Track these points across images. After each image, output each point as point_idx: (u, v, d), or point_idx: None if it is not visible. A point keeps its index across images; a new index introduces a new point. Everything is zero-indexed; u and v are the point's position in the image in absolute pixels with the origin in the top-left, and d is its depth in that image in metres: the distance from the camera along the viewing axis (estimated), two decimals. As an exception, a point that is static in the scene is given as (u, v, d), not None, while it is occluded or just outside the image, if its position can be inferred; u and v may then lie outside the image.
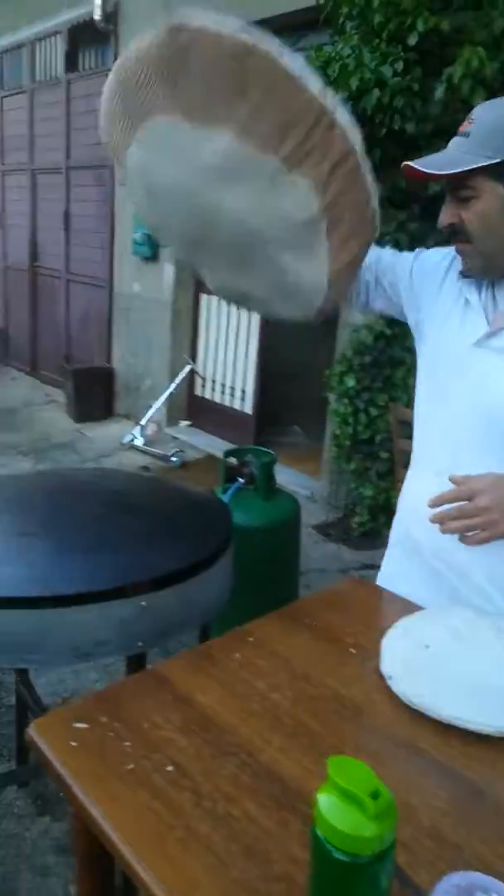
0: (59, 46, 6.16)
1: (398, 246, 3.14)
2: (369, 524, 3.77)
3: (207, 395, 5.56)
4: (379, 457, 3.56)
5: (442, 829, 0.83)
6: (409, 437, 3.39)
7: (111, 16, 5.40)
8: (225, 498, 2.38)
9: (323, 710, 1.02)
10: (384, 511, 3.70)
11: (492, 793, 0.89)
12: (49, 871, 1.68)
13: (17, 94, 6.93)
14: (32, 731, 0.97)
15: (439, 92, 2.80)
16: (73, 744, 0.94)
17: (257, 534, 2.30)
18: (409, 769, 0.92)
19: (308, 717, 1.02)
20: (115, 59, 4.89)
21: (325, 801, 0.62)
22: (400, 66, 2.85)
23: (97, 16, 5.38)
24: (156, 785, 0.87)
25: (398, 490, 3.00)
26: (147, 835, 0.80)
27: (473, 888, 0.71)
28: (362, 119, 2.99)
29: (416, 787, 0.89)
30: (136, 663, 1.38)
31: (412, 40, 2.84)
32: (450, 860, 0.78)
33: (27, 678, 1.88)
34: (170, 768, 0.90)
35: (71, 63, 6.08)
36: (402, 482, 3.02)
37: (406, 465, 2.97)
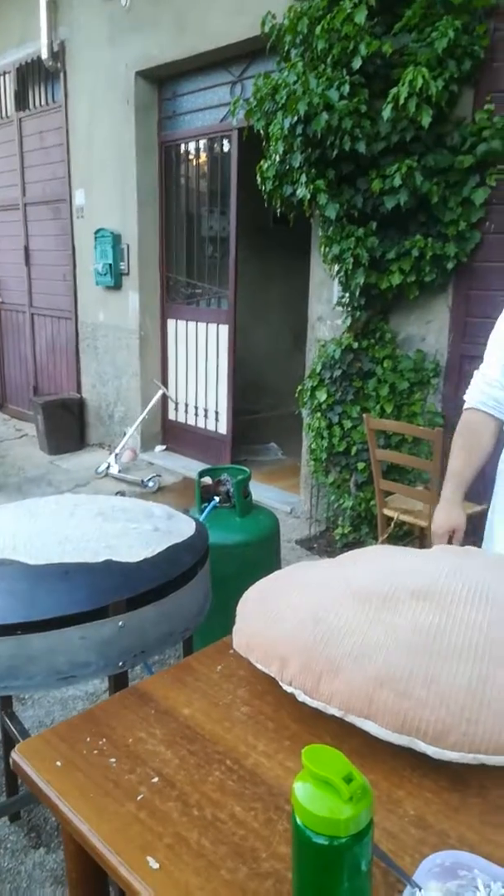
0: (8, 85, 6.23)
1: (357, 260, 3.25)
2: (352, 535, 3.81)
3: (181, 419, 5.59)
4: (356, 468, 3.61)
5: (426, 816, 0.85)
6: (385, 446, 3.46)
7: (57, 54, 5.50)
8: (201, 517, 2.40)
9: (306, 713, 1.04)
10: (366, 521, 3.74)
11: (475, 779, 0.92)
12: (45, 904, 1.66)
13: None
14: (16, 755, 0.98)
15: (387, 112, 2.89)
16: (58, 764, 0.95)
17: (235, 550, 2.32)
18: (393, 763, 0.94)
19: (291, 720, 1.04)
20: (65, 95, 4.97)
21: (302, 788, 0.64)
22: (346, 89, 2.94)
23: (44, 54, 5.48)
24: (142, 797, 0.89)
25: (378, 499, 3.06)
26: (136, 845, 0.81)
27: (457, 866, 0.73)
28: (313, 141, 3.08)
29: (400, 779, 0.92)
30: (119, 683, 1.38)
31: (356, 64, 2.93)
32: (434, 845, 0.81)
33: (12, 711, 1.87)
34: (155, 780, 0.92)
35: (21, 101, 6.16)
36: (382, 491, 3.07)
37: (385, 473, 2.96)
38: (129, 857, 0.80)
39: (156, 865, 0.78)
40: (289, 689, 1.02)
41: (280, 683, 1.04)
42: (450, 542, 1.64)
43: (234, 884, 0.76)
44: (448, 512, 1.67)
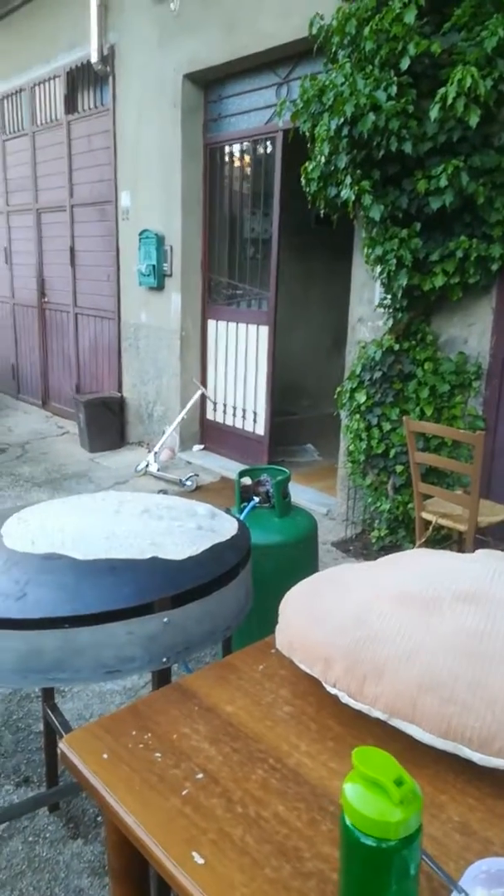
0: (58, 89, 6.35)
1: (401, 261, 3.22)
2: (388, 538, 3.78)
3: (219, 419, 5.62)
4: (395, 471, 3.58)
5: (470, 823, 0.85)
6: (423, 449, 3.42)
7: (107, 58, 5.58)
8: (241, 517, 2.41)
9: (349, 715, 1.04)
10: (403, 524, 3.71)
11: (519, 787, 0.91)
12: (83, 894, 1.68)
13: (19, 136, 7.13)
14: (64, 746, 1.00)
15: (434, 112, 2.86)
16: (105, 756, 0.97)
17: (274, 550, 2.32)
18: (437, 768, 0.94)
19: (334, 722, 1.04)
20: (113, 98, 5.04)
21: (352, 789, 0.65)
22: (393, 89, 2.92)
23: (94, 58, 5.57)
24: (187, 792, 0.90)
25: (417, 502, 3.03)
26: (181, 839, 0.82)
27: (503, 873, 0.72)
28: (360, 142, 3.07)
29: (444, 784, 0.91)
30: (162, 679, 1.40)
31: (404, 64, 2.91)
32: (479, 852, 0.80)
33: (54, 703, 1.91)
34: (200, 776, 0.93)
35: (70, 105, 6.26)
36: (421, 494, 3.04)
37: (424, 476, 2.84)
38: (174, 850, 0.81)
39: (201, 861, 0.79)
40: (333, 691, 1.02)
41: (324, 685, 1.04)
42: None
43: (277, 882, 0.76)
44: None
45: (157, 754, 0.97)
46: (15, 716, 2.39)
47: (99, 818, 1.93)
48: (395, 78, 2.94)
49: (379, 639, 1.00)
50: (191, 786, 0.91)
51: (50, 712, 1.86)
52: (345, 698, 1.00)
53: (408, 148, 2.98)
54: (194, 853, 0.80)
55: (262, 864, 0.79)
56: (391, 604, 1.06)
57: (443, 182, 2.95)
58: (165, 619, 1.25)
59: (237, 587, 1.43)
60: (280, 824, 0.85)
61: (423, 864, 0.75)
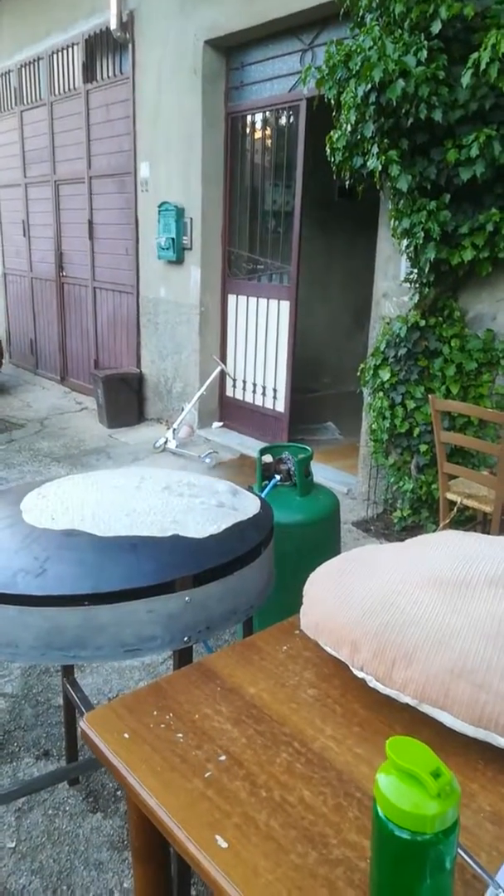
0: (77, 57, 6.23)
1: (428, 234, 3.13)
2: (411, 518, 3.74)
3: (239, 396, 5.57)
4: (419, 450, 3.53)
5: (503, 812, 0.82)
6: (448, 429, 3.35)
7: (126, 25, 5.45)
8: (262, 495, 2.38)
9: (374, 699, 1.02)
10: (426, 505, 3.67)
11: (552, 777, 0.88)
12: (103, 867, 1.69)
13: (37, 107, 7.04)
14: (84, 725, 0.98)
15: (466, 78, 2.76)
16: (126, 735, 0.95)
17: (296, 530, 2.29)
18: (466, 756, 0.91)
19: (359, 706, 1.01)
20: (132, 66, 4.91)
21: (386, 780, 0.62)
22: (424, 54, 2.81)
23: (113, 25, 5.44)
24: (210, 774, 0.88)
25: (442, 483, 2.98)
26: (204, 822, 0.80)
27: (539, 870, 0.69)
28: (387, 110, 2.97)
29: (474, 773, 0.89)
30: (183, 658, 1.38)
31: (435, 28, 2.80)
32: (512, 844, 0.77)
33: (74, 678, 1.91)
34: (223, 758, 0.91)
35: (88, 73, 6.15)
36: (446, 474, 2.98)
37: (449, 456, 2.79)
38: (197, 834, 0.79)
39: (224, 845, 0.77)
40: (360, 675, 1.00)
41: (351, 668, 1.01)
42: None
43: (303, 868, 0.74)
44: None
45: (179, 735, 0.95)
46: (35, 689, 2.41)
47: (119, 792, 1.94)
48: (426, 42, 2.83)
49: (408, 622, 0.97)
50: (213, 768, 0.89)
51: (69, 687, 1.86)
52: (372, 682, 0.98)
53: (438, 116, 2.88)
54: (218, 837, 0.78)
55: (288, 850, 0.77)
56: (421, 587, 1.03)
57: (474, 152, 2.86)
58: (187, 598, 1.23)
59: (260, 566, 1.41)
60: (306, 809, 0.83)
61: (457, 857, 0.72)
